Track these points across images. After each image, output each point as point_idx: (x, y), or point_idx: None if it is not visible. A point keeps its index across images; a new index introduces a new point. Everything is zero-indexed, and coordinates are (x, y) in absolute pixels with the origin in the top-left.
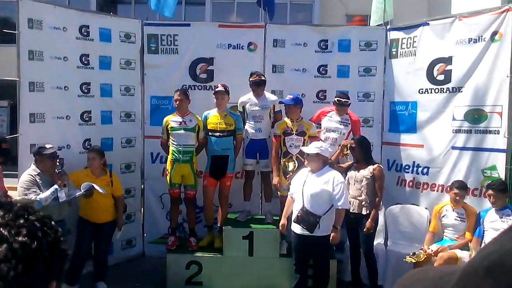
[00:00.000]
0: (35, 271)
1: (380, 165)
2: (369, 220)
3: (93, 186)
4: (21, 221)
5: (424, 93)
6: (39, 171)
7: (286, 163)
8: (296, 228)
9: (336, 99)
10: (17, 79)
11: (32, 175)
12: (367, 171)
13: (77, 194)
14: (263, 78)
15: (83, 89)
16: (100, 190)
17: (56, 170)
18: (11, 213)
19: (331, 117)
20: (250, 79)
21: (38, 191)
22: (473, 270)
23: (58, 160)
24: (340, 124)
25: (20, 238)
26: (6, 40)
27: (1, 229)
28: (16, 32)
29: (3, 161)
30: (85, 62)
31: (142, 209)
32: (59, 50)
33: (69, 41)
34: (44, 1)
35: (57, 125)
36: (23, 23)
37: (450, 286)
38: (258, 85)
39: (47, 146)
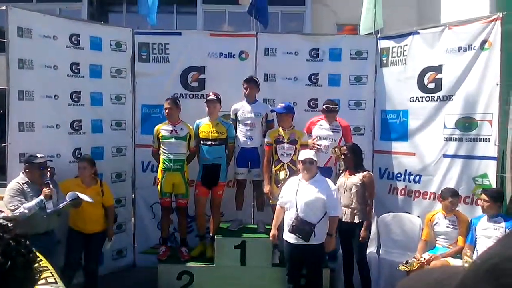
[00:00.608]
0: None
1: (370, 173)
2: (363, 229)
3: (78, 195)
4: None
5: (415, 101)
6: (27, 179)
7: (278, 172)
8: (290, 238)
9: (324, 106)
10: (6, 87)
11: (19, 183)
12: (356, 179)
13: (62, 204)
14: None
15: (73, 97)
16: (87, 199)
17: (44, 181)
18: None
19: (322, 125)
20: (243, 81)
21: (23, 199)
22: (474, 273)
23: (48, 170)
24: (331, 131)
25: None
26: None
27: None
28: (6, 40)
29: None
30: (76, 70)
31: (132, 218)
32: (49, 58)
33: (59, 49)
34: (35, 9)
35: (47, 134)
36: (12, 32)
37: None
38: (249, 82)
39: (38, 155)
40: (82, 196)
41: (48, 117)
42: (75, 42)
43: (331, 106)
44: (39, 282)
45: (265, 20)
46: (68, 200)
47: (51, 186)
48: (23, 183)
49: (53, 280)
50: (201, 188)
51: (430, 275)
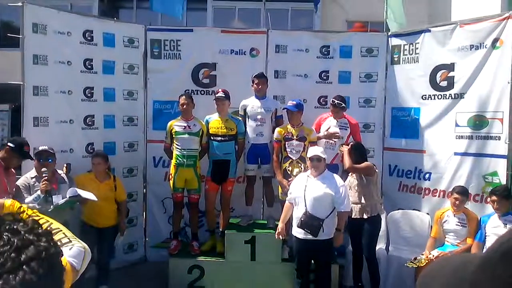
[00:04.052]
0: (54, 272)
1: (371, 163)
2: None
3: (78, 193)
4: (39, 230)
5: (428, 99)
6: (36, 174)
7: (292, 168)
8: (299, 233)
9: (331, 100)
10: (21, 83)
11: (27, 178)
12: (358, 175)
13: (61, 201)
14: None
15: (87, 93)
16: (89, 197)
17: (42, 174)
18: (26, 224)
19: (330, 121)
20: (253, 77)
21: (28, 195)
22: (490, 256)
23: (65, 166)
24: (339, 128)
25: (42, 243)
26: (10, 44)
27: (27, 235)
28: (21, 36)
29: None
30: (89, 66)
31: (144, 213)
32: (63, 54)
33: (73, 45)
34: (48, 5)
35: (61, 129)
36: (27, 28)
37: (471, 270)
38: (259, 77)
39: (40, 148)
40: (83, 193)
41: (62, 112)
42: (89, 38)
43: (336, 101)
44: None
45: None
46: (67, 197)
47: (47, 179)
48: (31, 178)
49: (67, 240)
50: (211, 183)
51: (450, 262)
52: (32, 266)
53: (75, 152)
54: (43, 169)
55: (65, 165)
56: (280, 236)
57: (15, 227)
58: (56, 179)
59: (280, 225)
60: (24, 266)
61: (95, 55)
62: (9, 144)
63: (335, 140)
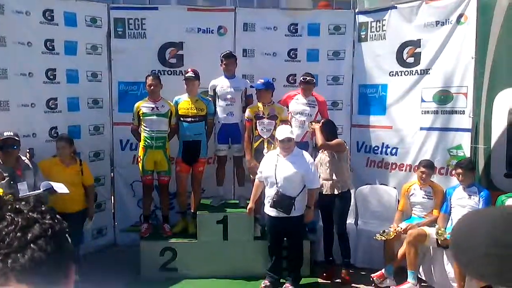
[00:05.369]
0: (62, 249)
1: (341, 140)
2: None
3: (52, 186)
4: (43, 208)
5: (395, 75)
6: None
7: (268, 150)
8: (271, 211)
9: (301, 78)
10: None
11: None
12: (330, 153)
13: (33, 192)
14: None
15: (49, 75)
16: (61, 190)
17: None
18: (28, 203)
19: (298, 99)
20: (222, 56)
21: None
22: None
23: (27, 151)
24: (307, 106)
25: (47, 221)
26: None
27: (31, 213)
28: None
29: None
30: (50, 47)
31: (112, 197)
32: (22, 35)
33: (33, 25)
34: None
35: (22, 113)
36: None
37: None
38: (227, 57)
39: (7, 134)
40: (57, 187)
41: (23, 96)
42: (49, 18)
43: (308, 77)
44: None
45: None
46: (41, 190)
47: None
48: None
49: None
50: (182, 164)
51: (488, 211)
52: (40, 244)
53: (38, 136)
54: None
55: (27, 150)
56: (251, 214)
57: (17, 206)
58: (20, 166)
59: (251, 204)
60: (31, 245)
61: (56, 35)
62: None
63: (303, 119)
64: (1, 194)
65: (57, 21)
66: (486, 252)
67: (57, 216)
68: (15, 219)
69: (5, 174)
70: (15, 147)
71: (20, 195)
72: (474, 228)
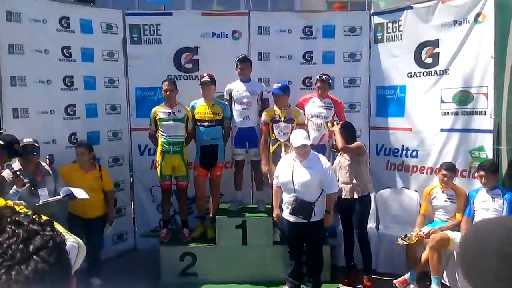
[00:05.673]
0: (63, 260)
1: (361, 143)
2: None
3: (72, 192)
4: (42, 220)
5: (413, 76)
6: (20, 167)
7: (286, 153)
8: (290, 217)
9: (318, 76)
10: None
11: (9, 172)
12: (350, 156)
13: (54, 198)
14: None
15: (66, 82)
16: (81, 196)
17: (10, 169)
18: (28, 215)
19: (313, 102)
20: (237, 60)
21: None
22: None
23: (47, 157)
24: (324, 108)
25: (47, 232)
26: None
27: (31, 225)
28: None
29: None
30: (67, 54)
31: (132, 202)
32: (39, 43)
33: (50, 33)
34: None
35: (42, 120)
36: (1, 16)
37: None
38: (242, 61)
39: (26, 140)
40: (77, 192)
41: (42, 103)
42: (65, 25)
43: (324, 76)
44: None
45: None
46: (61, 196)
47: (18, 174)
48: (14, 172)
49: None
50: (200, 169)
51: (503, 220)
52: (42, 255)
53: (57, 143)
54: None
55: (47, 156)
56: (280, 219)
57: (17, 218)
58: (40, 172)
59: (275, 211)
60: (34, 256)
61: (72, 42)
62: None
63: (320, 122)
64: (10, 204)
65: (73, 28)
66: (497, 269)
67: (56, 228)
68: (16, 231)
69: (26, 180)
70: (35, 153)
71: (41, 201)
72: (481, 244)
